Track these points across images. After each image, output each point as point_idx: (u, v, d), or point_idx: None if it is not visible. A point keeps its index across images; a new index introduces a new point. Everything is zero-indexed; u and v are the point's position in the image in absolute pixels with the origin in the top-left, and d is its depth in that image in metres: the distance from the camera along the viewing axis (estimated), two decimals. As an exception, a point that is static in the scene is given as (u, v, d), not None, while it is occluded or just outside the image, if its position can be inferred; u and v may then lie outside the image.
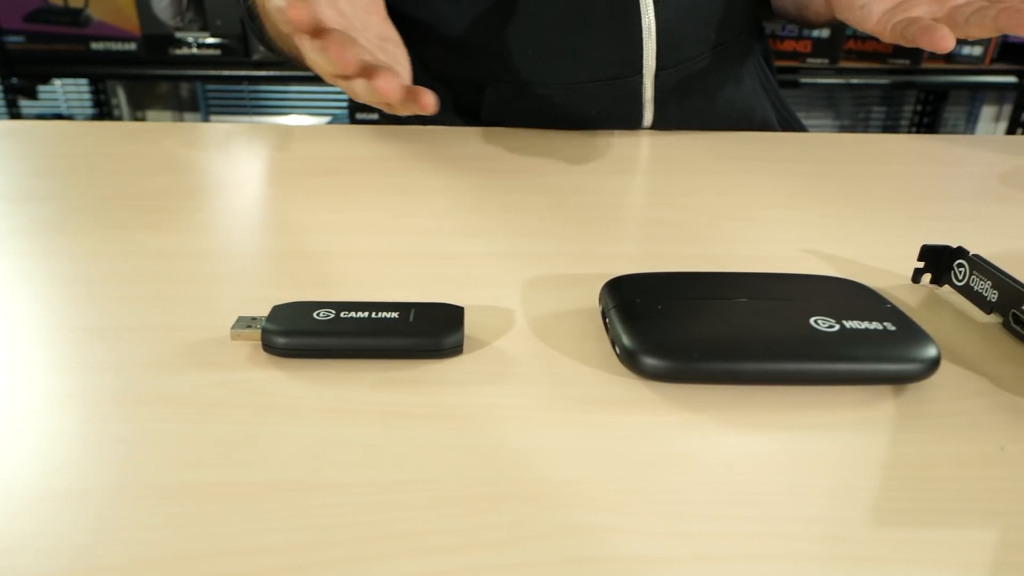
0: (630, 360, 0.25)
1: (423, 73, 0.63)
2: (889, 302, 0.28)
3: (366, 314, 0.27)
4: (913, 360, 0.24)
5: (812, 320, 0.26)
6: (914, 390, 0.25)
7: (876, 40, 1.78)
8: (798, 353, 0.24)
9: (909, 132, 2.24)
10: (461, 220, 0.40)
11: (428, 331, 0.26)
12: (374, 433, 0.22)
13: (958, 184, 0.49)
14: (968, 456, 0.22)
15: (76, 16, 1.68)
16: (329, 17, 0.40)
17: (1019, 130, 1.81)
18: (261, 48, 1.73)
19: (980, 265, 0.31)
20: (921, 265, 0.34)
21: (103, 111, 2.15)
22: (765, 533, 0.19)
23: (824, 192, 0.46)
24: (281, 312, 0.27)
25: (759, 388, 0.25)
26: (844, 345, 0.24)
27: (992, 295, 0.30)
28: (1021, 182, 0.50)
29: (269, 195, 0.43)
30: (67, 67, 1.76)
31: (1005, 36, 1.79)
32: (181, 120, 2.22)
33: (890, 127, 2.32)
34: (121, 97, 2.17)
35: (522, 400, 0.24)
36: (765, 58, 0.70)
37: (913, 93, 2.22)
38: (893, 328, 0.26)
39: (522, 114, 0.60)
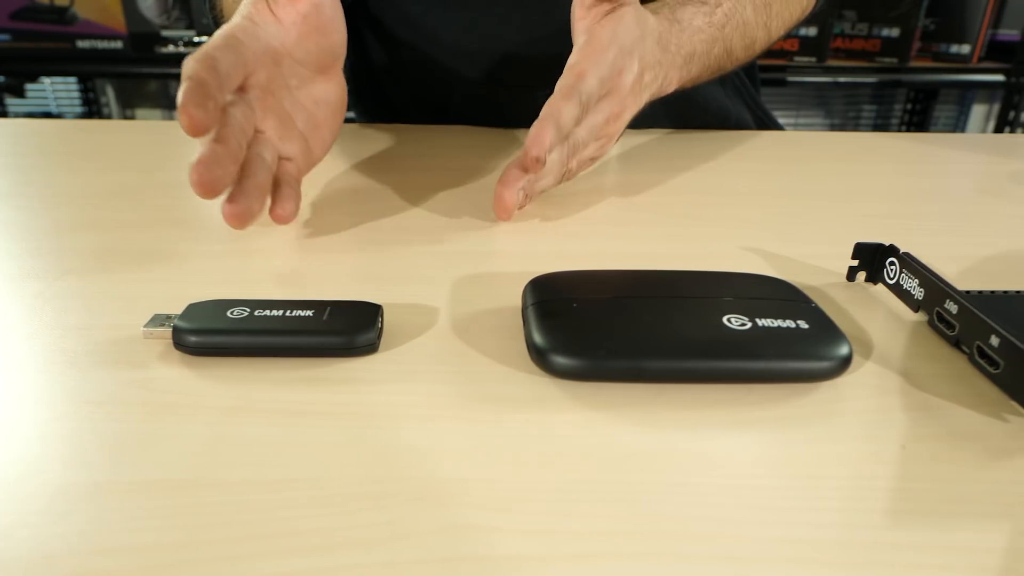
0: (540, 358, 0.25)
1: (393, 70, 0.63)
2: (812, 300, 0.28)
3: (280, 312, 0.26)
4: (822, 358, 0.24)
5: (725, 318, 0.25)
6: (827, 388, 0.25)
7: (863, 38, 1.78)
8: (705, 351, 0.24)
9: (899, 131, 2.24)
10: (402, 217, 0.40)
11: (340, 329, 0.26)
12: (272, 432, 0.22)
13: (918, 182, 0.49)
14: (867, 454, 0.22)
15: (62, 14, 1.67)
16: (259, 79, 0.35)
17: (1007, 129, 1.81)
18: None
19: (909, 263, 0.31)
20: (855, 263, 0.34)
21: (92, 109, 2.15)
22: (645, 532, 0.18)
23: (779, 190, 0.46)
24: (195, 310, 0.27)
25: (670, 386, 0.25)
26: (753, 343, 0.24)
27: (919, 293, 0.30)
28: (985, 182, 0.49)
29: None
30: (54, 65, 1.76)
31: (994, 34, 1.79)
32: (171, 119, 2.22)
33: (881, 126, 2.32)
34: (110, 95, 2.17)
35: (428, 398, 0.24)
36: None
37: (903, 92, 2.22)
38: (806, 326, 0.25)
39: (491, 114, 0.60)
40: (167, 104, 2.22)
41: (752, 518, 0.19)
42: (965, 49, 1.76)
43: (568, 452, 0.21)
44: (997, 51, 1.78)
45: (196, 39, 1.68)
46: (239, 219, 0.31)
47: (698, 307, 0.26)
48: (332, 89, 0.39)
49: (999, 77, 1.76)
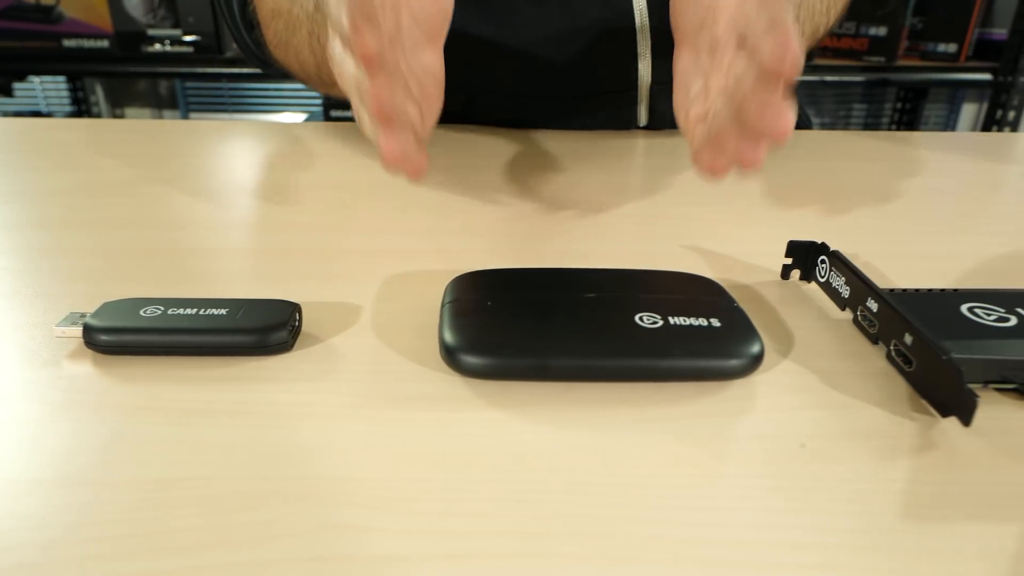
0: (449, 357, 0.24)
1: None
2: (733, 299, 0.28)
3: (194, 311, 0.26)
4: (731, 356, 0.24)
5: (637, 316, 0.25)
6: (739, 386, 0.25)
7: (851, 37, 1.78)
8: (611, 349, 0.24)
9: (889, 130, 2.24)
10: (350, 216, 0.40)
11: (252, 328, 0.26)
12: (169, 431, 0.22)
13: (874, 180, 0.49)
14: (767, 453, 0.22)
15: (48, 13, 1.67)
16: (388, 26, 0.33)
17: (994, 128, 1.80)
18: (234, 46, 1.73)
19: (838, 261, 0.30)
20: (789, 261, 0.33)
21: (81, 108, 2.15)
22: (524, 531, 0.18)
23: (738, 188, 0.46)
24: (109, 308, 0.26)
25: (581, 385, 0.25)
26: (661, 341, 0.24)
27: (845, 291, 0.30)
28: (931, 181, 0.49)
29: (160, 193, 0.43)
30: (41, 64, 1.75)
31: (982, 33, 1.78)
32: (160, 117, 2.22)
33: (871, 124, 2.32)
34: (99, 94, 2.17)
35: (334, 397, 0.24)
36: None
37: (893, 90, 2.22)
38: (718, 324, 0.25)
39: (511, 124, 0.60)
40: (156, 103, 2.22)
41: (636, 517, 0.19)
42: (952, 48, 1.76)
43: (464, 451, 0.21)
44: (985, 50, 1.78)
45: (182, 37, 1.68)
46: (400, 160, 0.30)
47: (612, 305, 0.26)
48: (437, 62, 0.37)
49: (986, 76, 1.76)
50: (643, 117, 0.59)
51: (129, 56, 1.69)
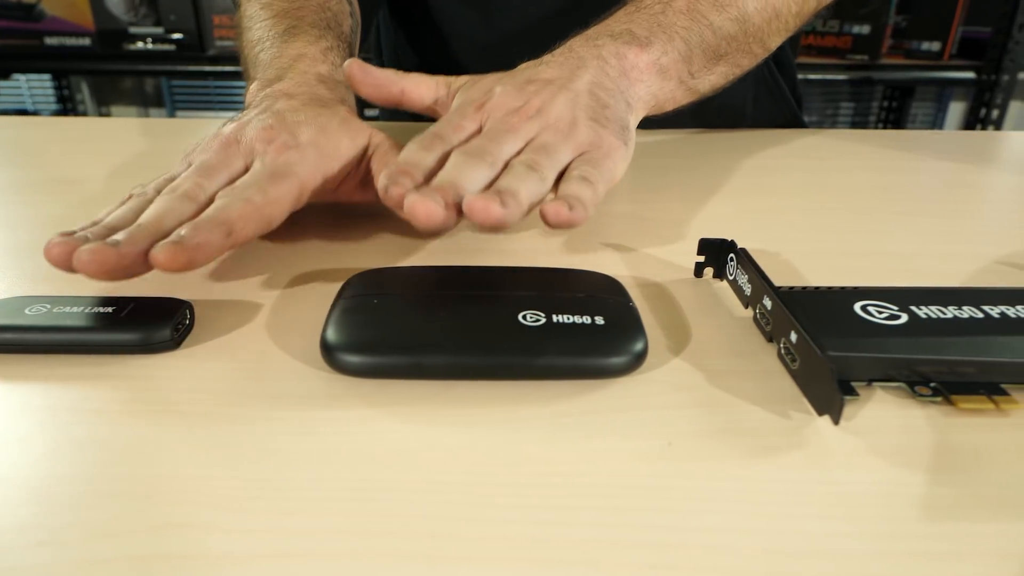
0: (326, 355, 0.24)
1: (418, 64, 0.62)
2: (629, 298, 0.28)
3: (79, 309, 0.26)
4: (610, 354, 0.24)
5: (521, 315, 0.25)
6: (620, 384, 0.25)
7: (835, 35, 1.78)
8: (487, 347, 0.24)
9: (876, 128, 2.24)
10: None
11: (134, 326, 0.25)
12: (28, 429, 0.22)
13: (823, 178, 0.48)
14: (631, 452, 0.21)
15: (29, 11, 1.67)
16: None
17: (978, 126, 1.80)
18: (216, 43, 1.72)
19: (743, 259, 0.30)
20: (702, 259, 0.33)
21: (67, 107, 2.15)
22: (362, 530, 0.18)
23: (682, 186, 0.46)
24: (-5, 307, 0.26)
25: (462, 384, 0.24)
26: (538, 339, 0.24)
27: (748, 289, 0.30)
28: (877, 178, 0.49)
29: (92, 191, 0.43)
30: (22, 63, 1.75)
31: (966, 31, 1.78)
32: (146, 115, 2.22)
33: (859, 123, 2.32)
34: (85, 92, 2.17)
35: (207, 396, 0.24)
36: (775, 60, 0.68)
37: (880, 89, 2.22)
38: (602, 322, 0.25)
39: None
40: (142, 101, 2.22)
41: (481, 516, 0.19)
42: (936, 46, 1.76)
43: (323, 450, 0.21)
44: (969, 48, 1.77)
45: (164, 35, 1.67)
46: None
47: (498, 303, 0.26)
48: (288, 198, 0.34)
49: (969, 74, 1.76)
50: None
51: (111, 54, 1.69)
